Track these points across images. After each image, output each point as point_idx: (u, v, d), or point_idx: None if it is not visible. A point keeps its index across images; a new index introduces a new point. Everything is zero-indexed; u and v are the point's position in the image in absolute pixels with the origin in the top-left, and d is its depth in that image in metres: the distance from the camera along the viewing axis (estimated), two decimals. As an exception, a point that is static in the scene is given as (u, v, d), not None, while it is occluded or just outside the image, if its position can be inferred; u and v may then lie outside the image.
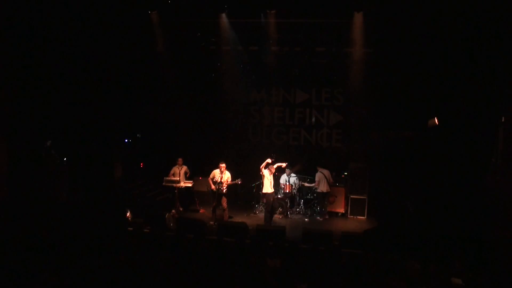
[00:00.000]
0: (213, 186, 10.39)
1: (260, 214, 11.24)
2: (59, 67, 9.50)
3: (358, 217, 11.15)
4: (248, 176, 11.97)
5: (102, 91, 10.10)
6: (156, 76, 11.72)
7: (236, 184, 10.70)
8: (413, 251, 7.14)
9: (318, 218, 11.10)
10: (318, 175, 11.14)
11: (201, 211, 11.36)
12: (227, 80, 12.54)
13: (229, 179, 10.38)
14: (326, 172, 11.14)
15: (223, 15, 10.41)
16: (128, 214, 9.99)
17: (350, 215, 11.37)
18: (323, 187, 11.07)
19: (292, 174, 11.34)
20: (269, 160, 10.26)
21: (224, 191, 10.29)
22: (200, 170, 12.25)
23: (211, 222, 10.17)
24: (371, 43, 10.71)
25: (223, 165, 10.38)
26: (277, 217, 10.79)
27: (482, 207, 8.46)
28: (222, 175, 10.35)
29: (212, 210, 10.46)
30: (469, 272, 5.86)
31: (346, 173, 11.69)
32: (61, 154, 10.42)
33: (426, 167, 9.76)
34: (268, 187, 10.15)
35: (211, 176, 10.48)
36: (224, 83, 12.60)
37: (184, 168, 11.26)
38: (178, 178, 10.96)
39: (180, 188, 11.05)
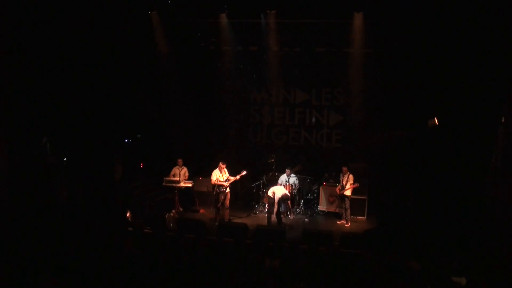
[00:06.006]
0: (225, 184, 10.34)
1: (260, 214, 11.25)
2: (60, 67, 9.51)
3: (358, 217, 11.14)
4: (248, 176, 11.98)
5: (102, 91, 10.11)
6: (156, 76, 11.73)
7: (237, 181, 10.77)
8: (413, 251, 7.14)
9: (344, 222, 10.63)
10: (352, 177, 10.67)
11: (201, 211, 11.35)
12: (227, 80, 12.54)
13: (230, 177, 10.45)
14: None
15: (223, 15, 10.42)
16: (128, 214, 9.99)
17: (350, 215, 11.33)
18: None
19: (292, 174, 11.33)
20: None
21: (227, 190, 10.35)
22: (200, 170, 12.24)
23: (215, 217, 10.18)
24: (371, 43, 10.71)
25: (224, 165, 10.44)
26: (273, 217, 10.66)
27: (482, 207, 8.46)
28: (223, 174, 10.40)
29: (216, 211, 10.46)
30: (469, 272, 5.86)
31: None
32: (61, 154, 10.42)
33: (426, 167, 9.76)
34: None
35: (215, 179, 10.43)
36: (224, 83, 12.60)
37: (184, 169, 11.26)
38: (178, 179, 10.97)
39: (180, 189, 11.05)
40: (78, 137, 10.07)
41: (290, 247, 7.24)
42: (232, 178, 10.45)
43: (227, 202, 10.40)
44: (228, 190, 10.40)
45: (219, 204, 10.35)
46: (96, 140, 10.20)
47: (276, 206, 10.06)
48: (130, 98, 11.17)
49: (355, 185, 10.51)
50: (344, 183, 10.64)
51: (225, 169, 10.48)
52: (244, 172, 10.59)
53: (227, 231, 8.84)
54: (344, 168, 10.70)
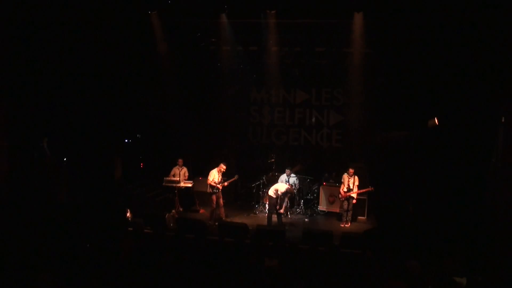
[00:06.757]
0: (219, 186, 10.39)
1: (260, 214, 11.25)
2: (59, 67, 9.51)
3: (358, 217, 11.12)
4: (248, 176, 11.99)
5: (102, 91, 10.11)
6: (156, 76, 11.72)
7: (237, 181, 10.81)
8: (413, 251, 7.14)
9: (345, 225, 10.51)
10: (358, 179, 10.55)
11: (201, 211, 11.35)
12: (227, 80, 12.54)
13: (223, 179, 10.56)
14: None
15: (223, 15, 10.41)
16: (128, 214, 9.99)
17: (351, 215, 11.31)
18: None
19: (292, 174, 11.33)
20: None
21: (219, 190, 10.47)
22: (200, 170, 12.25)
23: (210, 222, 10.18)
24: (371, 43, 10.71)
25: (224, 167, 10.48)
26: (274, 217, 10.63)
27: (482, 207, 8.46)
28: (220, 176, 10.45)
29: (211, 212, 10.45)
30: (469, 272, 5.86)
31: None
32: (61, 154, 10.42)
33: (426, 167, 9.76)
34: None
35: (212, 178, 10.45)
36: (224, 83, 12.60)
37: (184, 169, 11.26)
38: (178, 179, 10.97)
39: (180, 188, 11.05)
40: (78, 137, 10.07)
41: (290, 247, 7.24)
42: (224, 183, 10.51)
43: (221, 200, 10.47)
44: (220, 189, 10.49)
45: (214, 204, 10.38)
46: (96, 140, 10.20)
47: (280, 200, 10.09)
48: (130, 98, 11.17)
49: (369, 189, 10.37)
50: (351, 185, 10.43)
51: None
52: (236, 177, 10.70)
53: (227, 231, 8.84)
54: (351, 170, 10.47)
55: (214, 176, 10.41)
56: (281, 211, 10.68)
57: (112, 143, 10.80)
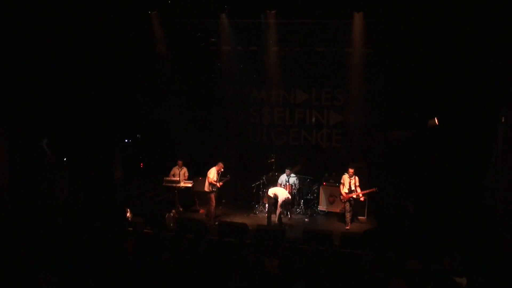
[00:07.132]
0: (218, 184, 10.47)
1: (260, 214, 11.25)
2: (59, 67, 9.51)
3: (358, 217, 11.13)
4: (248, 176, 11.98)
5: (102, 91, 10.11)
6: (156, 76, 11.72)
7: (237, 183, 10.84)
8: (413, 251, 7.15)
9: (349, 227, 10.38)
10: (358, 179, 10.42)
11: (201, 211, 11.36)
12: (227, 80, 12.54)
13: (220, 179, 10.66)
14: None
15: (223, 15, 10.42)
16: (128, 214, 9.99)
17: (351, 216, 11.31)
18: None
19: (292, 174, 11.32)
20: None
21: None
22: (200, 170, 12.25)
23: (210, 222, 10.18)
24: (371, 43, 10.71)
25: (222, 166, 10.52)
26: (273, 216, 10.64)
27: (482, 207, 8.46)
28: (218, 176, 10.49)
29: (211, 212, 10.45)
30: (469, 272, 5.86)
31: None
32: (61, 154, 10.43)
33: (426, 167, 9.76)
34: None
35: (212, 176, 10.45)
36: (224, 83, 12.60)
37: (184, 169, 11.26)
38: (178, 179, 10.97)
39: (180, 188, 11.06)
40: (78, 137, 10.07)
41: (290, 247, 7.24)
42: (220, 182, 10.59)
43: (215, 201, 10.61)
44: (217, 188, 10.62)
45: (213, 203, 10.40)
46: (96, 140, 10.20)
47: (279, 209, 10.07)
48: (130, 98, 11.17)
49: (373, 190, 10.23)
50: (352, 186, 10.29)
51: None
52: (228, 177, 10.85)
53: (227, 231, 8.84)
54: (351, 170, 10.34)
55: (214, 174, 10.43)
56: (290, 216, 10.72)
57: (112, 143, 10.80)
